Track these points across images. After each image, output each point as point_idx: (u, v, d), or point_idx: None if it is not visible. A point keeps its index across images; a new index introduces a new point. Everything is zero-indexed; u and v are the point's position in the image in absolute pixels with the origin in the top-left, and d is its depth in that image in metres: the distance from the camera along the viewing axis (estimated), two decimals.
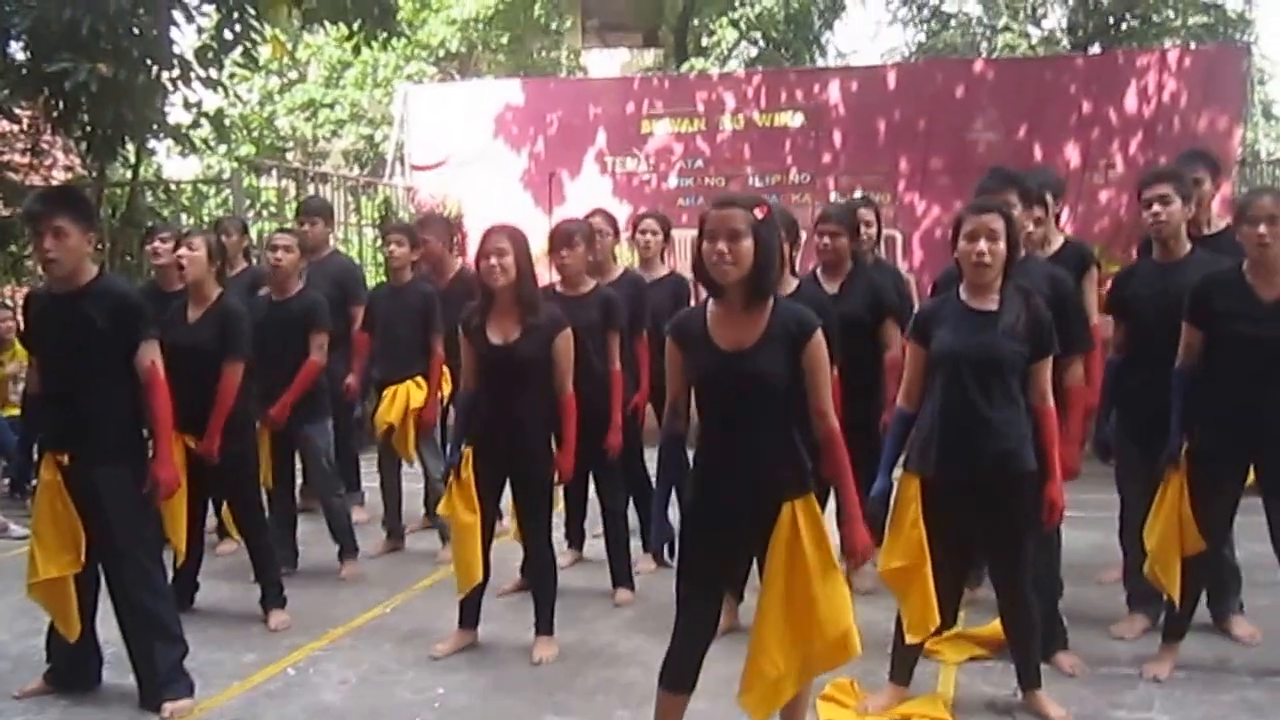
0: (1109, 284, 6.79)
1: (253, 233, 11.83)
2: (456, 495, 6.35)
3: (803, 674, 4.63)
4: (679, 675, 4.72)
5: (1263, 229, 5.57)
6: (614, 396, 7.32)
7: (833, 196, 15.01)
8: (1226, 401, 5.77)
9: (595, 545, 8.12)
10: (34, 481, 5.96)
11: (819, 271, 7.48)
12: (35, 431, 6.26)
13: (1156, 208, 6.24)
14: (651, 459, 7.57)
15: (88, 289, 5.62)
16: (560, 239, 7.25)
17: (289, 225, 10.49)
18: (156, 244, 8.49)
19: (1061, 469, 5.48)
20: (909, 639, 5.46)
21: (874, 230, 7.90)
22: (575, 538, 8.43)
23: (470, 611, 6.59)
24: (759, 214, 4.39)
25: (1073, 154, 14.93)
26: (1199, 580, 5.96)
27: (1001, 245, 5.20)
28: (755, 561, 4.66)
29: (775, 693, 4.59)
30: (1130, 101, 14.88)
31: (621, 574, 7.55)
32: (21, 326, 6.18)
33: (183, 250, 7.05)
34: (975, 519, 5.34)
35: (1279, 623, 6.45)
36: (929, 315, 5.48)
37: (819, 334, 4.49)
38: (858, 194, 13.94)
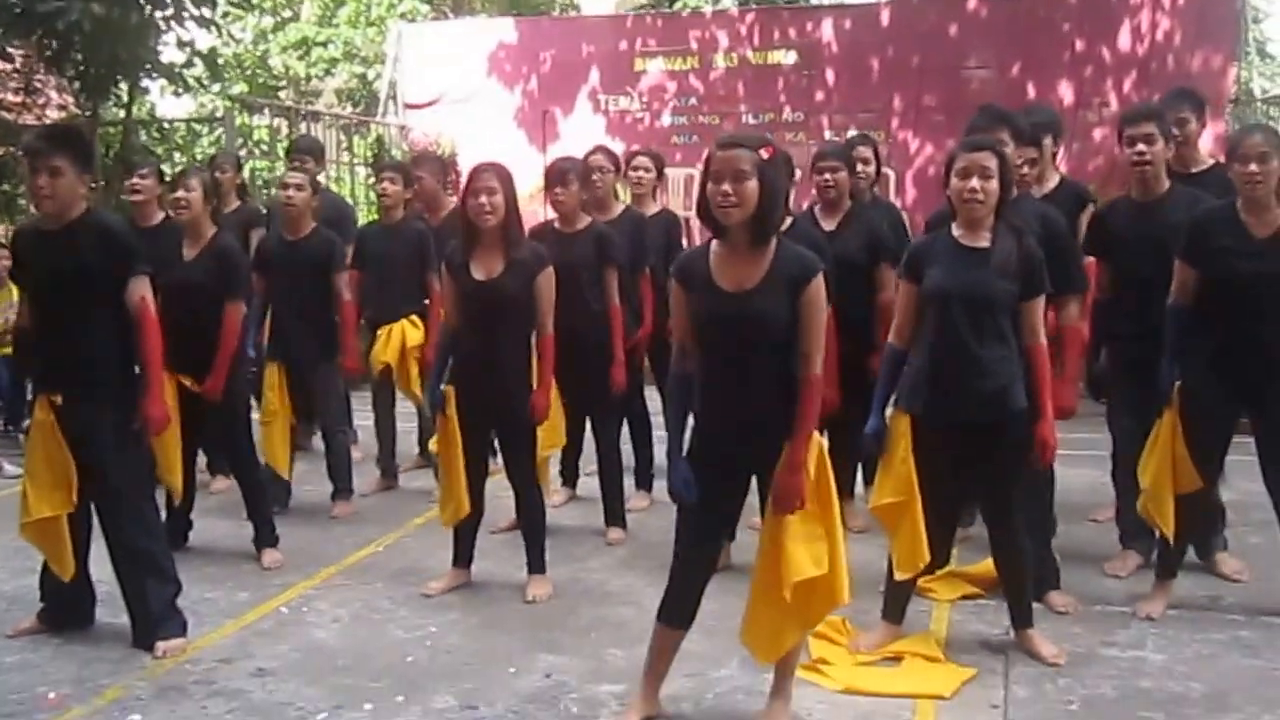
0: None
1: (245, 171, 11.79)
2: (441, 433, 6.37)
3: (802, 618, 4.64)
4: (678, 610, 4.75)
5: (1254, 167, 5.55)
6: (614, 332, 7.31)
7: (827, 135, 15.00)
8: (1219, 338, 5.76)
9: (589, 483, 8.13)
10: (27, 420, 5.95)
11: (817, 209, 7.44)
12: (27, 370, 6.25)
13: (1141, 146, 6.22)
14: (650, 398, 7.65)
15: (76, 224, 5.58)
16: (555, 177, 7.23)
17: (280, 163, 10.44)
18: (135, 180, 8.46)
19: (1058, 407, 5.48)
20: (898, 575, 5.48)
21: (871, 168, 7.86)
22: (569, 476, 8.44)
23: (464, 550, 6.59)
24: (764, 155, 4.36)
25: (1066, 92, 14.89)
26: (1192, 517, 5.96)
27: (994, 183, 5.17)
28: (758, 496, 4.67)
29: (779, 638, 4.62)
30: (1124, 39, 14.83)
31: (614, 512, 7.57)
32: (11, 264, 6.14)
33: (180, 192, 7.03)
34: (967, 457, 5.35)
35: (1271, 561, 6.47)
36: (921, 252, 5.47)
37: (819, 278, 4.46)
38: (851, 132, 13.91)
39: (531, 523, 6.54)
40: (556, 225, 7.38)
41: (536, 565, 6.51)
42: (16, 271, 6.01)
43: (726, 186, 4.31)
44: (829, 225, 7.26)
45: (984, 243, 5.26)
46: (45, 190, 5.49)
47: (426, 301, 8.41)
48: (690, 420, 4.70)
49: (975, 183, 5.15)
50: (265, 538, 7.18)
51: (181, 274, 6.91)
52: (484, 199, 6.08)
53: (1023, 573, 5.53)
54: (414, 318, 8.39)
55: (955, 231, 5.35)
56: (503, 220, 6.13)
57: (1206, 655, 5.49)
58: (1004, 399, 5.24)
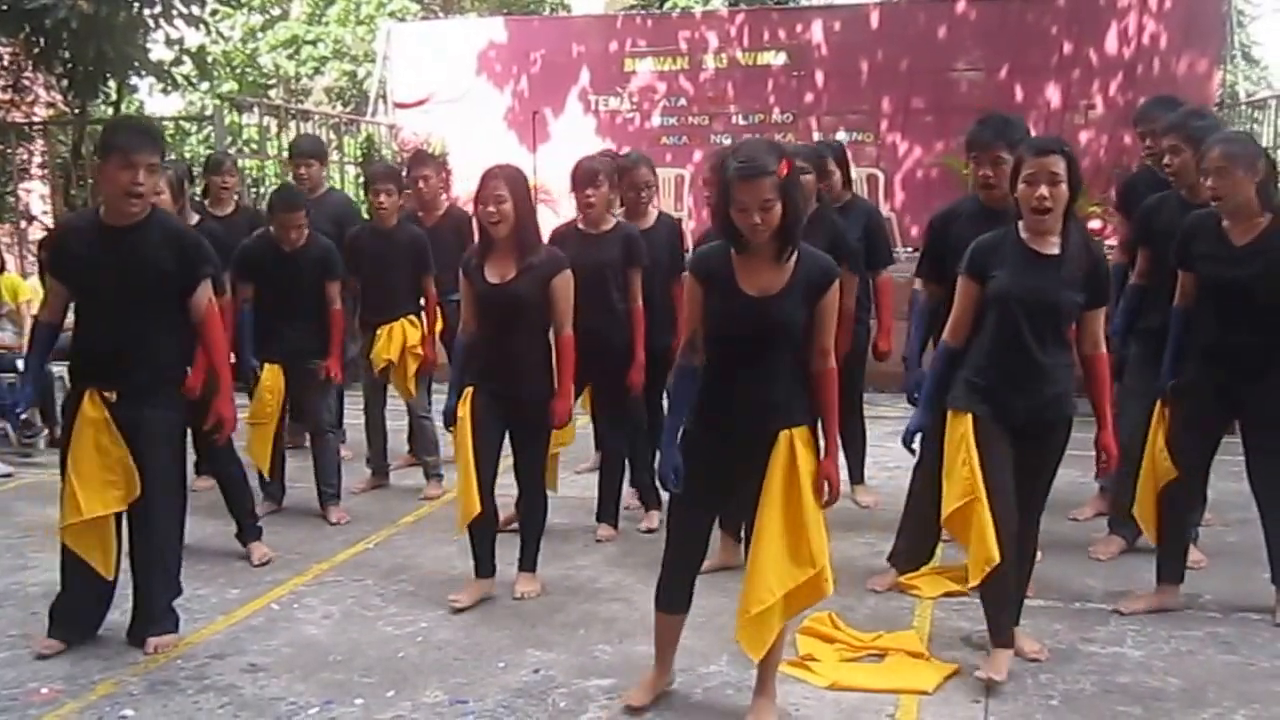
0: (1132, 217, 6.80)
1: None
2: (456, 432, 6.34)
3: (787, 608, 4.69)
4: (673, 595, 4.88)
5: (1211, 181, 5.60)
6: (635, 334, 7.23)
7: (815, 136, 15.06)
8: (1206, 341, 5.83)
9: (577, 481, 8.18)
10: (23, 412, 5.88)
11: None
12: (45, 361, 6.15)
13: (1168, 159, 6.34)
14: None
15: (146, 223, 5.53)
16: (585, 177, 7.15)
17: (270, 162, 10.41)
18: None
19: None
20: (971, 582, 5.34)
21: (837, 177, 7.81)
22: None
23: (484, 559, 6.46)
24: (782, 173, 4.44)
25: (1053, 94, 15.01)
26: (1177, 518, 6.01)
27: (1063, 188, 5.06)
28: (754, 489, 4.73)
29: (766, 628, 4.67)
30: (1111, 43, 14.96)
31: (608, 509, 7.51)
32: (47, 261, 5.92)
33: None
34: (1010, 456, 5.26)
35: (1247, 560, 6.52)
36: (986, 250, 5.33)
37: (837, 282, 4.64)
38: (840, 134, 14.02)
39: (533, 522, 6.55)
40: (580, 226, 7.31)
41: (528, 563, 6.52)
42: (57, 268, 5.78)
43: (756, 219, 4.42)
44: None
45: (1053, 249, 5.16)
46: (143, 188, 5.42)
47: (422, 303, 8.42)
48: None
49: (1044, 189, 5.04)
50: (249, 531, 7.19)
51: None
52: (493, 208, 6.06)
53: (1023, 568, 5.50)
54: (411, 319, 8.39)
55: (1023, 234, 5.24)
56: (514, 226, 6.13)
57: (1184, 651, 5.56)
58: (1061, 404, 5.24)
